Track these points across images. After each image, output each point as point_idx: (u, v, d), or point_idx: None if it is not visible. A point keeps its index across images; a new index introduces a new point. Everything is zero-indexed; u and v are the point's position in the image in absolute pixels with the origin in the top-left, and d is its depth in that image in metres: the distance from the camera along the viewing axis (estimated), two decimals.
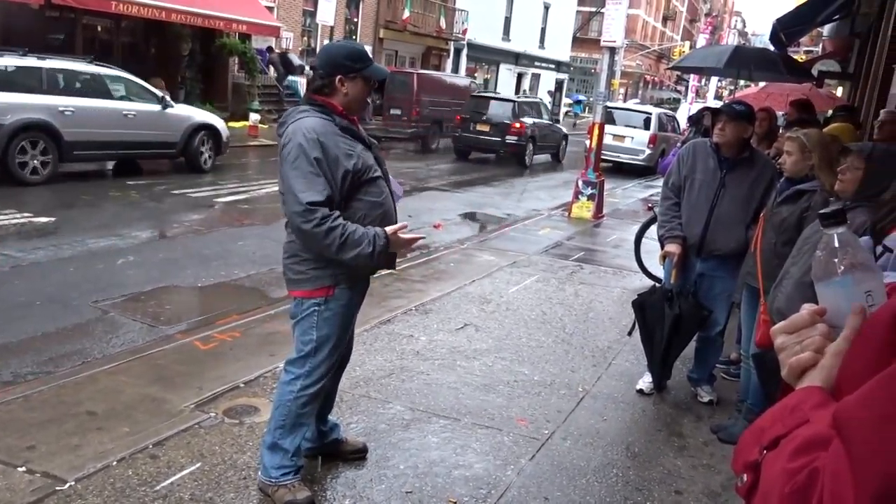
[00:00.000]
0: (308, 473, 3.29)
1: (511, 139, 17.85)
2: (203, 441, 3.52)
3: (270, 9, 20.82)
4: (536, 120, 19.00)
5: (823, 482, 0.71)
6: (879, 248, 2.21)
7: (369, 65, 2.97)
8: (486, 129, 17.96)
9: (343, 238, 2.76)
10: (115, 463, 3.26)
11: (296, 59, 20.96)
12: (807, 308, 0.97)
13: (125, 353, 4.62)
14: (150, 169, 11.78)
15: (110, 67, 11.45)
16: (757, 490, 0.83)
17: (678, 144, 5.71)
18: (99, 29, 17.98)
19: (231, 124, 18.82)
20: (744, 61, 9.07)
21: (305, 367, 3.02)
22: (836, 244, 0.97)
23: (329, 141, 2.80)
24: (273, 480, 3.04)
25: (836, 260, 0.96)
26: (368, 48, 25.59)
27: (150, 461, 3.30)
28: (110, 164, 11.75)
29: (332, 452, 3.44)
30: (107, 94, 10.80)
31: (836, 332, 0.93)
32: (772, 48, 13.63)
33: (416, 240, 3.05)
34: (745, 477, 0.86)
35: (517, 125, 17.80)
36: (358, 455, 3.48)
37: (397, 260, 3.20)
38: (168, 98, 11.82)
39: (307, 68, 20.81)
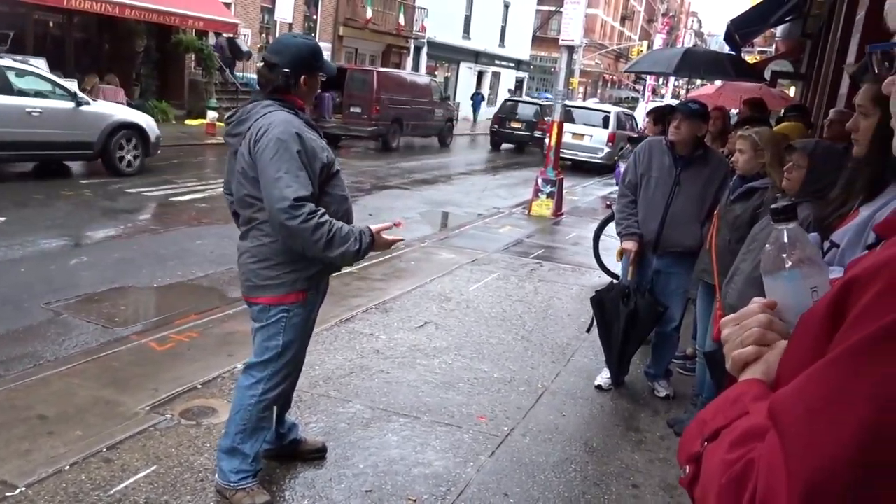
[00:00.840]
0: (266, 475, 3.26)
1: (538, 133, 21.17)
2: (159, 443, 3.46)
3: (228, 5, 20.55)
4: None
5: (758, 473, 0.72)
6: (826, 244, 2.26)
7: (325, 61, 2.98)
8: (518, 125, 22.70)
9: (331, 235, 2.71)
10: (67, 468, 3.19)
11: (243, 45, 20.69)
12: (757, 301, 1.00)
13: (78, 356, 4.52)
14: (100, 165, 11.52)
15: (14, 59, 10.65)
16: (698, 481, 0.84)
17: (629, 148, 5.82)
18: (51, 24, 17.57)
19: (188, 122, 18.58)
20: (694, 64, 9.32)
21: (267, 371, 2.98)
22: (786, 240, 1.00)
23: (305, 134, 2.77)
24: (231, 484, 3.01)
25: (784, 255, 0.99)
26: (328, 46, 25.47)
27: (104, 465, 3.24)
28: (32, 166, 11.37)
29: (290, 453, 3.42)
30: (7, 90, 9.72)
31: (785, 325, 0.95)
32: (727, 48, 13.87)
33: (398, 241, 3.04)
34: (687, 469, 0.88)
35: (544, 123, 20.16)
36: (317, 455, 3.46)
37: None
38: (84, 95, 10.90)
39: (255, 55, 20.64)
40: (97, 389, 3.99)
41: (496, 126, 23.19)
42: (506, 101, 25.14)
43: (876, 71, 0.93)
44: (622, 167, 5.63)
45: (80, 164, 11.46)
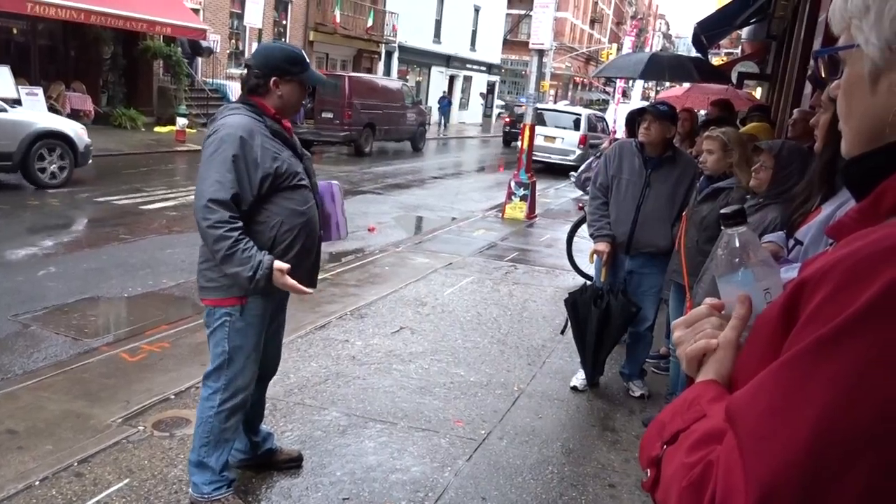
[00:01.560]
0: (242, 485, 3.23)
1: None
2: (131, 456, 3.41)
3: (196, 10, 20.37)
4: None
5: (717, 474, 0.73)
6: (791, 241, 2.30)
7: (306, 69, 2.91)
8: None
9: (230, 251, 2.66)
10: (37, 483, 3.13)
11: (203, 42, 20.46)
12: (706, 302, 1.01)
13: (48, 368, 4.45)
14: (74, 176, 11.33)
15: None
16: (660, 485, 0.85)
17: (597, 155, 5.90)
18: (14, 31, 17.28)
19: (158, 129, 18.37)
20: (658, 69, 9.56)
21: (221, 381, 2.94)
22: (737, 243, 1.01)
23: (253, 141, 2.73)
24: (205, 496, 2.97)
25: (736, 259, 1.00)
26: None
27: (76, 479, 3.18)
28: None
29: (266, 463, 3.39)
30: None
31: None
32: (694, 50, 14.01)
33: (297, 289, 2.82)
34: (649, 472, 0.88)
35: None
36: (293, 464, 3.44)
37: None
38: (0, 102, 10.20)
39: (215, 51, 20.45)
40: (67, 402, 3.92)
41: (508, 127, 26.84)
42: (514, 105, 27.90)
43: (822, 74, 0.95)
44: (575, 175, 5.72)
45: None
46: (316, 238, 3.00)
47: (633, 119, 5.70)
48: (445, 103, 32.30)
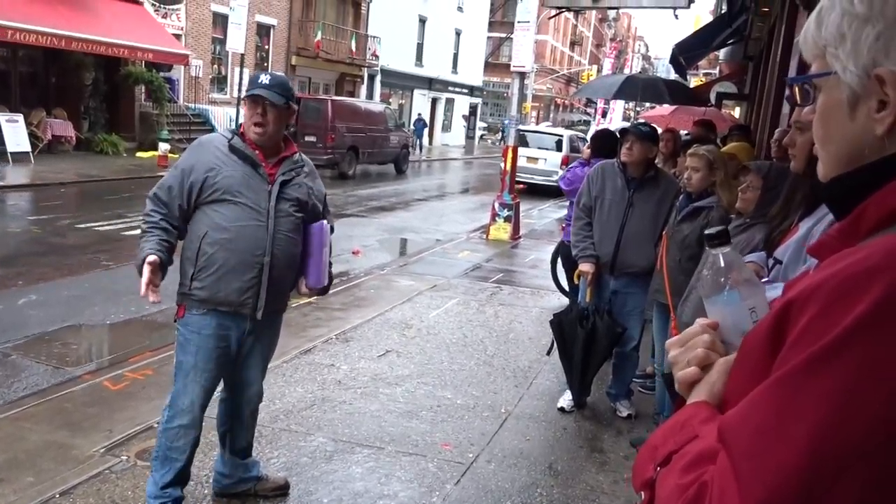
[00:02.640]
0: None
1: None
2: (114, 487, 3.36)
3: (178, 36, 20.40)
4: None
5: (711, 494, 0.74)
6: (771, 261, 2.32)
7: (252, 88, 2.98)
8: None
9: (139, 239, 2.90)
10: None
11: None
12: (699, 322, 1.02)
13: (29, 398, 4.38)
14: (51, 201, 11.25)
15: None
16: None
17: (577, 163, 5.93)
18: None
19: (140, 154, 18.31)
20: (631, 90, 9.80)
21: (170, 396, 3.02)
22: (722, 263, 1.02)
23: (202, 149, 2.96)
24: None
25: (722, 279, 1.01)
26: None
27: None
28: None
29: (251, 491, 3.34)
30: None
31: (726, 346, 0.97)
32: (673, 72, 14.19)
33: (141, 284, 2.80)
34: (643, 495, 0.88)
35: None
36: (279, 492, 3.40)
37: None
38: None
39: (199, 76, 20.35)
40: (49, 433, 3.86)
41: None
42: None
43: (797, 101, 0.97)
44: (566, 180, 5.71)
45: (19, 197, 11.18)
46: (253, 260, 2.91)
47: (600, 138, 5.78)
48: (420, 125, 31.97)
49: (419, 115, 34.00)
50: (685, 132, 10.64)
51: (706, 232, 1.05)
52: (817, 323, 0.73)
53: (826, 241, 0.87)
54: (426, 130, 33.54)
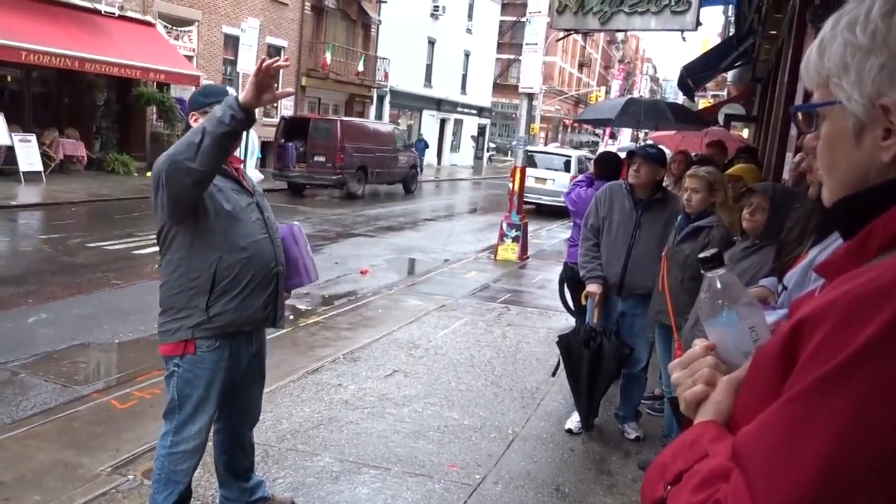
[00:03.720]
0: None
1: None
2: None
3: (190, 57, 20.63)
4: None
5: None
6: (780, 287, 2.31)
7: (218, 100, 2.74)
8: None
9: (199, 131, 2.55)
10: None
11: None
12: (698, 343, 1.03)
13: (36, 417, 4.39)
14: (62, 220, 11.32)
15: None
16: None
17: (582, 178, 5.95)
18: (9, 79, 17.42)
19: (150, 174, 18.42)
20: (634, 112, 9.74)
21: (174, 423, 2.93)
22: (719, 285, 1.04)
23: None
24: None
25: (719, 301, 1.03)
26: (291, 97, 25.47)
27: None
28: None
29: None
30: None
31: (727, 367, 0.98)
32: (681, 94, 14.20)
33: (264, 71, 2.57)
34: None
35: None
36: None
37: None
38: None
39: None
40: (56, 451, 3.87)
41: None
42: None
43: (799, 129, 0.99)
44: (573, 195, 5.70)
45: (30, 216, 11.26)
46: (269, 272, 2.93)
47: (605, 160, 5.80)
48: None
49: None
50: (694, 153, 10.66)
51: (700, 256, 1.06)
52: (828, 343, 0.74)
53: (834, 261, 0.88)
54: (427, 151, 33.30)
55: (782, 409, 0.75)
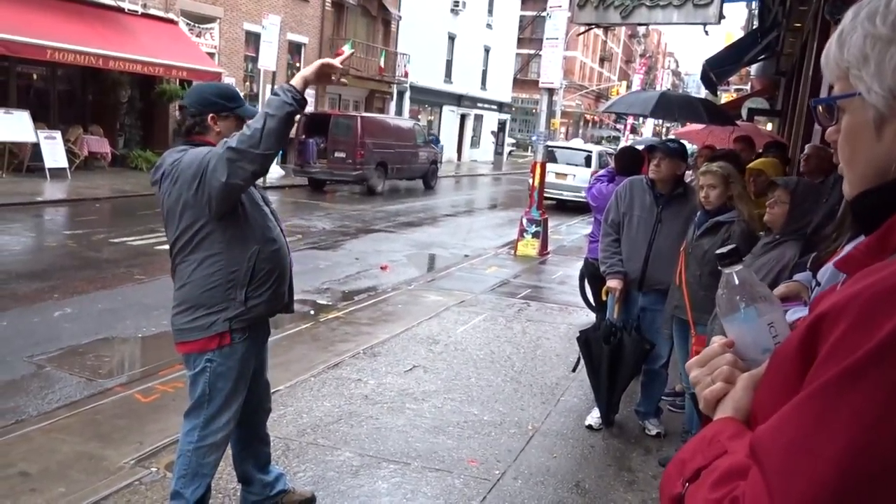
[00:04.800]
0: None
1: None
2: (144, 498, 3.40)
3: (212, 54, 20.77)
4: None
5: None
6: (814, 282, 2.28)
7: (241, 104, 2.97)
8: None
9: (265, 119, 2.63)
10: None
11: None
12: (716, 340, 1.02)
13: (61, 409, 4.46)
14: (86, 216, 11.47)
15: None
16: None
17: (601, 173, 5.90)
18: (34, 77, 17.65)
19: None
20: (668, 107, 9.48)
21: (201, 418, 2.95)
22: (737, 282, 1.02)
23: None
24: None
25: (737, 297, 1.01)
26: (311, 92, 25.79)
27: None
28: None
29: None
30: None
31: (746, 364, 0.97)
32: (703, 88, 14.07)
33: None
34: None
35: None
36: None
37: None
38: None
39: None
40: (81, 444, 3.92)
41: None
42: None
43: (819, 123, 0.98)
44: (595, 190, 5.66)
45: (55, 211, 11.41)
46: (288, 263, 3.06)
47: (625, 156, 5.74)
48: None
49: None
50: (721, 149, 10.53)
51: (717, 252, 1.05)
52: (848, 339, 0.73)
53: (854, 256, 0.87)
54: (443, 148, 32.95)
55: (800, 405, 0.75)
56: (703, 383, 0.98)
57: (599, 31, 46.67)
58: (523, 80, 46.82)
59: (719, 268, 1.05)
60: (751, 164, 5.10)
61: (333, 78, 2.87)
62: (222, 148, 2.67)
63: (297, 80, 2.73)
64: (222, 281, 2.83)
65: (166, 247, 3.00)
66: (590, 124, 64.82)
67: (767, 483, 0.73)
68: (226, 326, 2.85)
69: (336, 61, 2.81)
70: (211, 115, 2.88)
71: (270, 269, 2.91)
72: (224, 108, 2.90)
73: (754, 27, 14.18)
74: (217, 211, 2.75)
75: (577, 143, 25.81)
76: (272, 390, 3.54)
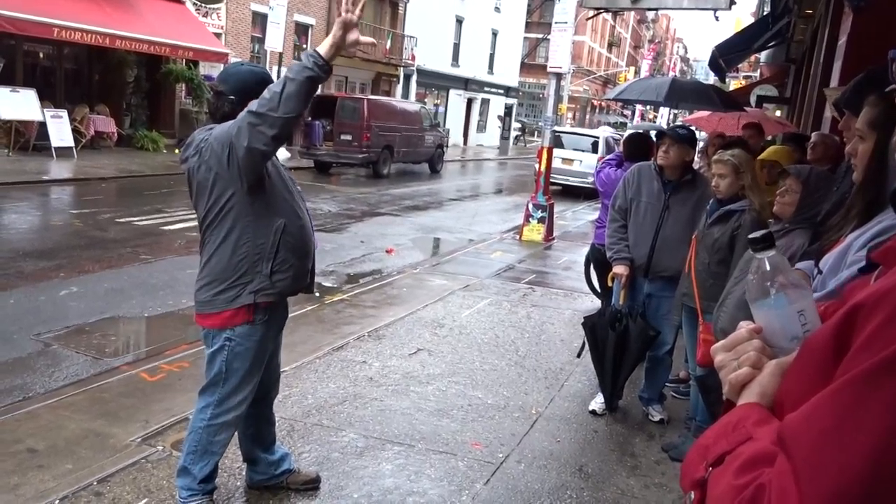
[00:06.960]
0: None
1: None
2: (150, 476, 3.42)
3: (218, 35, 20.70)
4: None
5: (770, 497, 0.74)
6: (816, 271, 2.27)
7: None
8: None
9: (285, 83, 2.59)
10: (57, 502, 3.15)
11: None
12: (744, 325, 1.01)
13: (68, 387, 4.48)
14: (92, 196, 11.48)
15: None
16: None
17: (609, 157, 5.87)
18: (41, 55, 17.63)
19: (178, 151, 18.61)
20: (682, 94, 9.34)
21: (215, 396, 2.97)
22: (768, 267, 1.01)
23: None
24: (182, 501, 3.02)
25: (768, 283, 1.00)
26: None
27: (95, 499, 3.20)
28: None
29: (283, 484, 3.38)
30: None
31: (773, 350, 0.96)
32: (712, 74, 13.95)
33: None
34: (692, 494, 0.88)
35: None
36: (310, 486, 3.43)
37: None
38: None
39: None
40: (87, 421, 3.95)
41: None
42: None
43: (838, 111, 0.96)
44: (603, 175, 5.64)
45: (62, 190, 11.43)
46: (312, 241, 3.05)
47: (633, 141, 5.69)
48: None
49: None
50: (730, 135, 10.44)
51: (750, 236, 1.03)
52: (884, 330, 0.72)
53: (892, 248, 0.86)
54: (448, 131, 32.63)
55: (832, 396, 0.74)
56: (728, 367, 0.97)
57: (608, 16, 46.33)
58: (531, 65, 46.56)
59: (751, 252, 1.03)
60: (762, 155, 5.07)
61: (354, 36, 2.66)
62: (245, 112, 2.66)
63: (324, 46, 2.64)
64: (249, 252, 2.83)
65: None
66: (597, 110, 64.53)
67: (795, 472, 0.72)
68: (250, 299, 2.85)
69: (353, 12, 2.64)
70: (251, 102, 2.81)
71: (295, 245, 2.91)
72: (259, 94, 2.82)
73: (765, 13, 14.06)
74: (247, 176, 2.72)
75: (605, 130, 25.39)
76: None
